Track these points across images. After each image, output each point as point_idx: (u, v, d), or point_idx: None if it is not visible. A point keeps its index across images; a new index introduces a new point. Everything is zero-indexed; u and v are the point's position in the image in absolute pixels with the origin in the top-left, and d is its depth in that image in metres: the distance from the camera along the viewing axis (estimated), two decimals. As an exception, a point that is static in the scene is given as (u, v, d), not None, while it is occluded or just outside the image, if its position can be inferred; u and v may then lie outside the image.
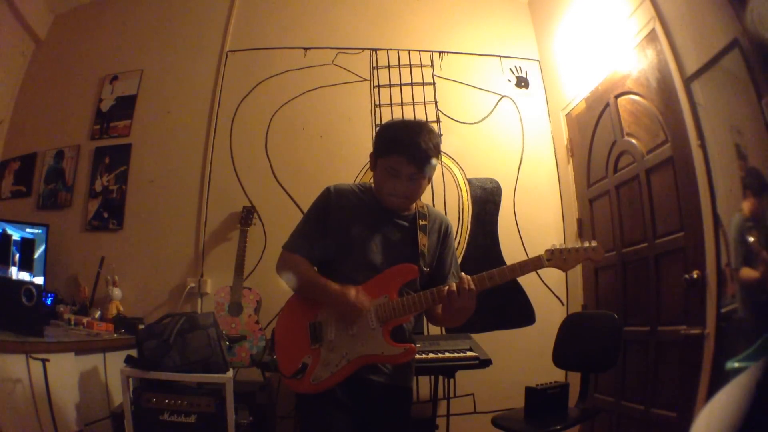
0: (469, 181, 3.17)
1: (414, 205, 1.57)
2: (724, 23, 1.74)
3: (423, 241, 1.52)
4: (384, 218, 1.53)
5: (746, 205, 1.69)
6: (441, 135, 3.22)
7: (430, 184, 1.58)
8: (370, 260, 1.49)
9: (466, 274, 1.45)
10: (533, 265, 1.42)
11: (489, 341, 2.60)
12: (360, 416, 1.46)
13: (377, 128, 1.61)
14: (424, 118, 3.24)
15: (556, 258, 1.42)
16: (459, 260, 2.96)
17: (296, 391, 1.47)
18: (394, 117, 3.21)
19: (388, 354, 1.43)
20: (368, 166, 1.60)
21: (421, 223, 1.55)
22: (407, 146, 1.43)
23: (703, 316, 1.89)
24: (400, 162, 1.44)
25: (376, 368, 1.47)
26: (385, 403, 1.49)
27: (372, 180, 1.57)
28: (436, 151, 1.47)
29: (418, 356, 2.26)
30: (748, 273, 1.69)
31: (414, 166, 1.44)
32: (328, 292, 1.45)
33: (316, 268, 1.55)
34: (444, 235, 1.60)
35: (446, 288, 1.40)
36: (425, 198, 3.13)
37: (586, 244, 1.42)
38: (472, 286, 1.39)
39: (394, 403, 1.52)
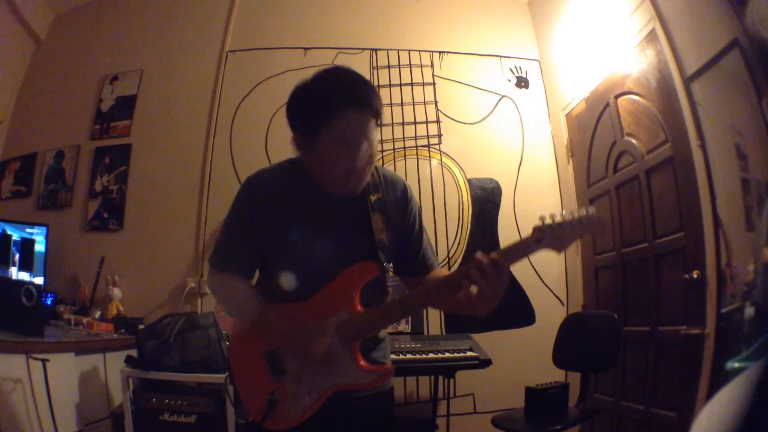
0: (469, 181, 3.17)
1: None
2: (724, 23, 1.74)
3: (378, 225, 1.20)
4: (323, 203, 1.19)
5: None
6: (441, 135, 3.23)
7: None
8: (317, 263, 1.18)
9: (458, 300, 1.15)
10: (522, 250, 1.06)
11: (489, 341, 2.60)
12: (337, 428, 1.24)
13: (291, 98, 1.18)
14: (424, 118, 3.24)
15: (547, 237, 1.04)
16: (459, 260, 3.01)
17: (269, 427, 1.18)
18: (394, 117, 3.21)
19: (361, 381, 1.18)
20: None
21: (372, 199, 1.20)
22: (360, 93, 1.08)
23: (703, 316, 1.89)
24: (356, 117, 1.07)
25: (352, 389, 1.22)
26: (364, 412, 1.24)
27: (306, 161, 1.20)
28: (380, 99, 1.12)
29: (418, 356, 2.27)
30: None
31: (373, 116, 1.09)
32: (272, 324, 1.19)
33: (252, 279, 1.29)
34: (404, 200, 1.27)
35: (463, 273, 1.06)
36: (426, 198, 3.17)
37: (585, 213, 1.04)
38: (499, 259, 1.04)
39: (374, 410, 1.26)
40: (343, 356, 1.16)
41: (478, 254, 1.05)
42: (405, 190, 1.29)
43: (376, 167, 1.24)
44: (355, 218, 1.20)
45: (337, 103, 1.06)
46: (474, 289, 1.06)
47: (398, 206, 1.26)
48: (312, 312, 1.18)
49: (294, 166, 1.26)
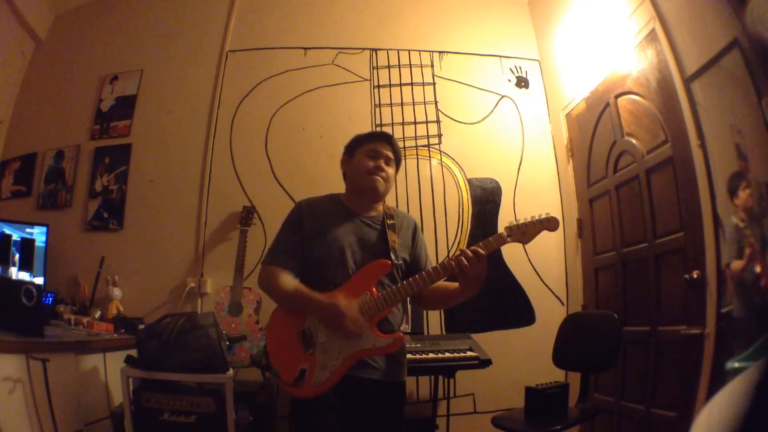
0: (469, 181, 3.17)
1: (380, 207, 1.71)
2: (724, 23, 1.74)
3: (393, 238, 1.64)
4: (355, 221, 1.65)
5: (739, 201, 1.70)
6: (441, 135, 3.23)
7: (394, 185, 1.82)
8: (347, 261, 1.58)
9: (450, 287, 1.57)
10: (497, 242, 1.53)
11: (489, 341, 2.61)
12: (354, 416, 1.51)
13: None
14: (424, 118, 3.25)
15: (515, 233, 1.53)
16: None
17: (298, 396, 1.51)
18: (394, 117, 3.22)
19: (379, 345, 1.51)
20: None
21: (389, 222, 1.67)
22: (382, 135, 1.73)
23: (703, 316, 1.89)
24: (379, 145, 1.66)
25: (367, 365, 1.53)
26: (378, 401, 1.54)
27: (342, 194, 1.73)
28: (399, 150, 1.73)
29: (418, 356, 2.27)
30: (738, 265, 1.69)
31: (390, 148, 1.67)
32: (313, 303, 1.51)
33: (298, 278, 1.61)
34: (414, 232, 1.74)
35: (452, 261, 1.48)
36: (426, 198, 3.18)
37: (542, 216, 1.54)
38: (481, 251, 1.48)
39: (387, 400, 1.57)
40: (365, 327, 1.50)
41: (463, 248, 1.51)
42: (416, 224, 1.77)
43: (391, 207, 1.74)
44: (375, 232, 1.65)
45: (371, 137, 1.73)
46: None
47: (409, 235, 1.72)
48: (342, 296, 1.52)
49: (334, 196, 1.74)
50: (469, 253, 1.47)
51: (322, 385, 1.48)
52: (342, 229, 1.62)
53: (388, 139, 1.70)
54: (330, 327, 1.50)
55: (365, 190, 1.66)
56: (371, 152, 1.66)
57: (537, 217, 1.54)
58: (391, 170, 1.67)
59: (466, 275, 1.47)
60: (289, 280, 1.57)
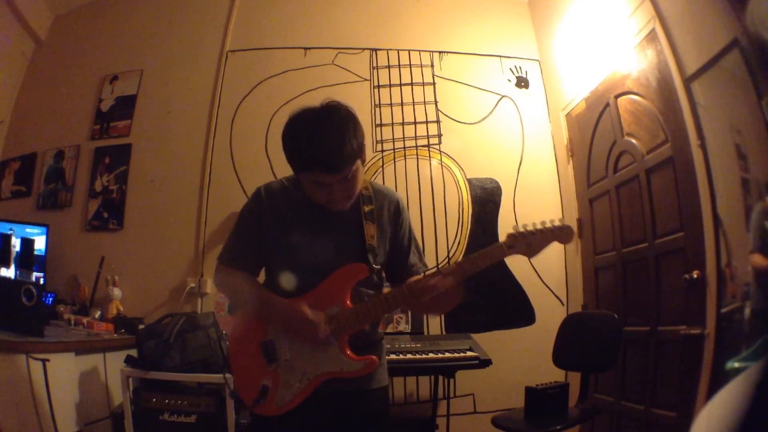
0: (469, 181, 3.17)
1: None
2: (724, 23, 1.74)
3: (370, 231, 1.34)
4: (322, 212, 1.33)
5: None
6: (441, 135, 3.23)
7: (367, 172, 1.48)
8: (316, 263, 1.31)
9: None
10: (496, 253, 1.23)
11: (489, 341, 2.60)
12: (323, 429, 1.33)
13: (283, 132, 1.28)
14: (424, 118, 3.24)
15: (519, 243, 1.21)
16: (463, 250, 3.01)
17: (260, 414, 1.32)
18: (394, 117, 3.22)
19: (348, 370, 1.28)
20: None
21: (365, 209, 1.35)
22: (317, 159, 1.20)
23: (703, 316, 1.89)
24: (318, 176, 1.22)
25: (338, 378, 1.30)
26: (355, 410, 1.33)
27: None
28: (357, 148, 1.23)
29: (418, 356, 2.27)
30: (759, 260, 1.67)
31: (338, 174, 1.21)
32: (274, 309, 1.31)
33: (257, 278, 1.41)
34: (395, 214, 1.42)
35: (417, 283, 1.25)
36: (426, 198, 3.17)
37: (554, 224, 1.22)
38: (449, 278, 1.22)
39: (366, 406, 1.34)
40: (333, 346, 1.28)
41: (442, 268, 1.25)
42: (398, 203, 1.44)
43: (369, 182, 1.42)
44: (348, 225, 1.35)
45: (304, 165, 1.24)
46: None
47: (390, 218, 1.41)
48: (308, 306, 1.28)
49: (298, 182, 1.35)
50: (440, 278, 1.22)
51: (286, 405, 1.28)
52: (309, 224, 1.34)
53: (330, 167, 1.20)
54: (293, 334, 1.29)
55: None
56: (316, 183, 1.25)
57: (547, 224, 1.22)
58: (350, 182, 1.25)
59: (437, 296, 1.23)
60: (244, 279, 1.36)
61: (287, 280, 1.32)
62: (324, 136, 1.21)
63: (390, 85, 3.28)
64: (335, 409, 1.31)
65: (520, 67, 3.40)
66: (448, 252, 3.04)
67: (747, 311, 1.70)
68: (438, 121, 3.24)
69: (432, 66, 3.34)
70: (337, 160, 1.20)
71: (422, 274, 1.40)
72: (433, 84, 3.30)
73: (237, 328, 1.43)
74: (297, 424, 1.29)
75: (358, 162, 1.26)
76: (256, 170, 3.11)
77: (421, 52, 3.36)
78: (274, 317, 1.32)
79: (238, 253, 1.39)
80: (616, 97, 2.52)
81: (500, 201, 3.14)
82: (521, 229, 1.22)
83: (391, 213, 1.41)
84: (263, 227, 1.36)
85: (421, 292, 1.25)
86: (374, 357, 1.31)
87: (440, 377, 2.61)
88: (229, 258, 1.40)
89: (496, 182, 3.17)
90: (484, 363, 2.30)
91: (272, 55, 3.31)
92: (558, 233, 1.22)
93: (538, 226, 1.22)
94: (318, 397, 1.29)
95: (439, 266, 2.96)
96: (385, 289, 1.40)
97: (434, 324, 2.92)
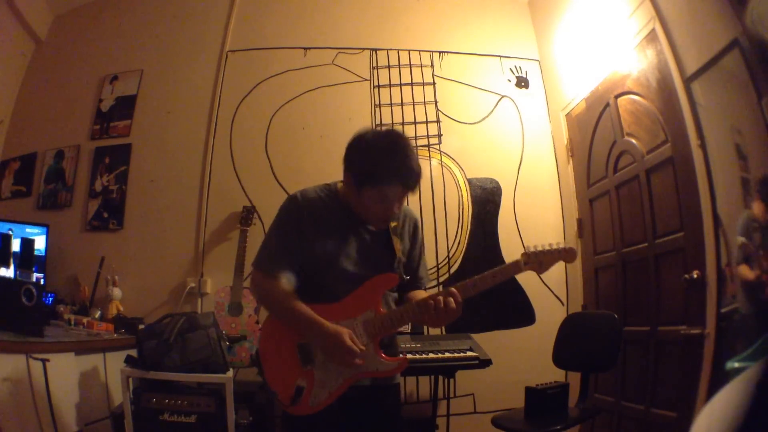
0: (469, 181, 3.17)
1: None
2: (724, 23, 1.74)
3: (398, 245, 1.48)
4: (355, 225, 1.46)
5: (756, 207, 1.69)
6: (441, 135, 3.23)
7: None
8: (349, 271, 1.43)
9: (466, 274, 1.44)
10: (513, 270, 1.42)
11: (489, 341, 2.61)
12: (349, 425, 1.44)
13: (352, 145, 1.43)
14: (424, 118, 3.24)
15: (532, 261, 1.42)
16: (459, 260, 3.02)
17: (295, 414, 1.39)
18: (394, 117, 3.22)
19: (383, 370, 1.41)
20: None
21: (392, 225, 1.49)
22: (402, 174, 1.35)
23: (703, 316, 1.89)
24: (395, 190, 1.36)
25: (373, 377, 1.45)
26: (371, 405, 1.46)
27: (340, 187, 1.50)
28: (420, 179, 1.41)
29: (418, 356, 2.27)
30: (745, 272, 1.69)
31: (410, 190, 1.39)
32: (315, 330, 1.36)
33: (295, 286, 1.45)
34: (413, 231, 1.57)
35: (432, 302, 1.36)
36: (426, 198, 3.17)
37: (561, 246, 1.42)
38: (459, 299, 1.36)
39: (380, 403, 1.48)
40: (368, 347, 1.38)
41: (450, 288, 1.38)
42: (416, 222, 1.59)
43: None
44: (379, 238, 1.48)
45: (387, 178, 1.35)
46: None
47: (409, 236, 1.56)
48: (343, 311, 1.40)
49: (331, 190, 1.50)
50: (452, 303, 1.34)
51: (321, 404, 1.38)
52: (344, 235, 1.45)
53: (407, 183, 1.36)
54: (330, 356, 1.37)
55: (371, 223, 1.48)
56: (383, 198, 1.36)
57: (554, 246, 1.43)
58: (403, 203, 1.44)
59: (438, 315, 1.35)
60: (287, 293, 1.40)
61: (324, 285, 1.42)
62: (413, 157, 1.38)
63: (390, 85, 3.28)
64: (355, 403, 1.42)
65: (520, 67, 3.41)
66: (448, 252, 3.04)
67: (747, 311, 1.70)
68: (438, 121, 3.24)
69: (432, 66, 3.34)
70: (417, 180, 1.38)
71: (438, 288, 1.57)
72: (433, 84, 3.30)
73: (271, 328, 1.48)
74: (326, 418, 1.38)
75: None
76: (256, 170, 3.12)
77: (421, 52, 3.36)
78: (315, 338, 1.38)
79: (277, 259, 1.43)
80: (616, 97, 2.52)
81: (500, 201, 3.14)
82: (533, 249, 1.42)
83: (410, 230, 1.56)
84: (302, 231, 1.43)
85: (449, 302, 1.35)
86: (406, 356, 1.48)
87: (440, 377, 2.61)
88: (268, 264, 1.44)
89: (496, 182, 3.17)
90: (484, 363, 2.30)
91: (272, 55, 3.31)
92: (564, 254, 1.42)
93: (547, 247, 1.42)
94: (351, 398, 1.40)
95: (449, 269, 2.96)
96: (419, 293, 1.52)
97: (434, 324, 2.92)
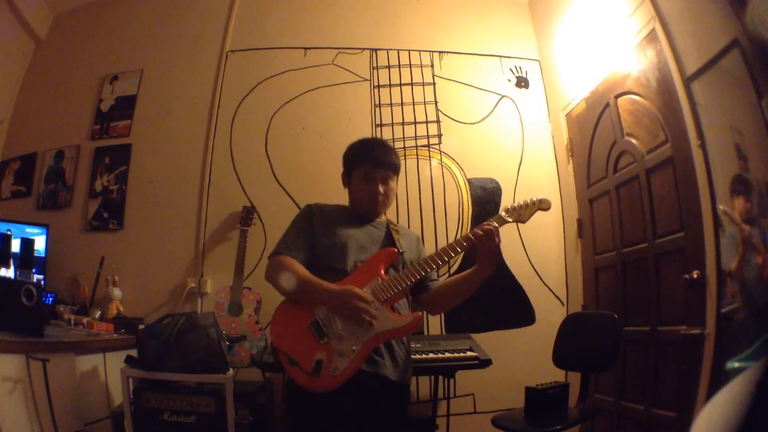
0: (469, 181, 3.17)
1: (384, 218, 1.77)
2: (724, 23, 1.74)
3: (397, 237, 1.69)
4: (362, 224, 1.70)
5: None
6: (441, 135, 3.23)
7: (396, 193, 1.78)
8: (357, 256, 1.60)
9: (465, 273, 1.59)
10: (498, 222, 1.57)
11: (489, 341, 2.61)
12: (357, 417, 1.47)
13: (351, 144, 1.78)
14: (424, 118, 3.25)
15: (514, 213, 1.60)
16: (459, 260, 3.02)
17: (316, 389, 1.43)
18: (394, 117, 3.23)
19: (398, 326, 1.49)
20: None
21: (392, 227, 1.74)
22: (369, 155, 1.68)
23: (703, 316, 1.89)
24: (367, 168, 1.66)
25: (375, 361, 1.50)
26: (383, 401, 1.51)
27: (349, 197, 1.76)
28: (397, 164, 1.71)
29: (418, 356, 2.27)
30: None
31: (381, 167, 1.66)
32: (323, 291, 1.49)
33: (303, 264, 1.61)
34: (417, 244, 1.80)
35: (473, 233, 1.52)
36: (426, 198, 3.17)
37: (536, 198, 1.63)
38: (494, 223, 1.53)
39: (391, 401, 1.54)
40: (381, 310, 1.49)
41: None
42: (418, 237, 1.84)
43: (392, 222, 1.78)
44: (381, 232, 1.71)
45: (359, 159, 1.70)
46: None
47: (414, 247, 1.75)
48: (351, 283, 1.52)
49: (342, 207, 1.78)
50: (480, 231, 1.51)
51: (343, 373, 1.43)
52: (350, 228, 1.65)
53: (381, 161, 1.66)
54: (343, 316, 1.47)
55: (367, 210, 1.71)
56: (366, 175, 1.66)
57: (531, 199, 1.63)
58: (391, 184, 1.68)
59: (483, 249, 1.50)
60: (295, 263, 1.56)
61: (332, 265, 1.57)
62: (380, 143, 1.79)
63: (390, 85, 3.29)
64: (367, 395, 1.47)
65: (520, 67, 3.41)
66: (448, 252, 3.04)
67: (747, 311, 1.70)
68: (438, 121, 3.24)
69: (432, 66, 3.34)
70: (383, 158, 1.67)
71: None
72: (433, 84, 3.30)
73: (283, 313, 1.57)
74: (329, 407, 1.43)
75: (396, 177, 1.70)
76: (256, 170, 3.12)
77: (421, 52, 3.36)
78: (325, 300, 1.49)
79: (290, 245, 1.63)
80: (616, 97, 2.52)
81: (500, 201, 3.14)
82: (513, 204, 1.63)
83: (413, 242, 1.77)
84: (314, 227, 1.65)
85: (453, 246, 1.54)
86: (418, 313, 1.55)
87: (440, 377, 2.61)
88: (282, 248, 1.62)
89: (496, 182, 3.17)
90: (484, 363, 2.30)
91: (272, 55, 3.31)
92: (540, 204, 1.61)
93: (524, 201, 1.62)
94: (353, 382, 1.44)
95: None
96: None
97: (434, 324, 2.92)
